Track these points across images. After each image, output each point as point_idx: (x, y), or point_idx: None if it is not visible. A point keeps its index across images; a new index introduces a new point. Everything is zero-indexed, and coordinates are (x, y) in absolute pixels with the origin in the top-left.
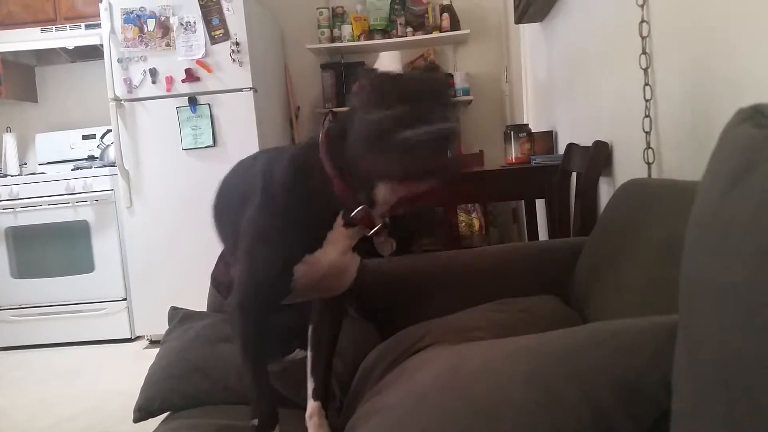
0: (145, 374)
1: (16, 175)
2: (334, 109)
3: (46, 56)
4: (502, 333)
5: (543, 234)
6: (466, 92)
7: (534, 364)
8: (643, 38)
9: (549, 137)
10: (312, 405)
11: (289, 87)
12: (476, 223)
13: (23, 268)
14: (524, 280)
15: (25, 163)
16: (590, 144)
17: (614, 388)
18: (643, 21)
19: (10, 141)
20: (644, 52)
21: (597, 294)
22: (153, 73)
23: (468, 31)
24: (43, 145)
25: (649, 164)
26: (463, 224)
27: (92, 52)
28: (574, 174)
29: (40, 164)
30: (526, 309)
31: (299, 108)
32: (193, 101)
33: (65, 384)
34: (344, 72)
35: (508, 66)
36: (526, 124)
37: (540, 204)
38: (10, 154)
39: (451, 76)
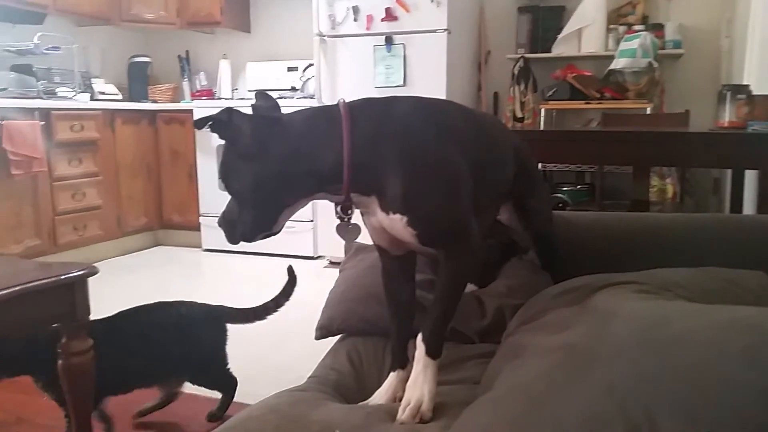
0: (325, 291)
1: (228, 99)
2: (526, 55)
3: None
4: (705, 297)
5: (748, 209)
6: (677, 45)
7: (754, 339)
8: None
9: None
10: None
11: (482, 30)
12: (670, 190)
13: None
14: (724, 253)
15: (237, 89)
16: None
17: None
18: None
19: (225, 67)
20: None
21: None
22: (356, 10)
23: None
24: (252, 73)
25: None
26: (655, 188)
27: None
28: None
29: (249, 90)
30: (732, 280)
31: (489, 53)
32: (389, 41)
33: (255, 289)
34: (542, 16)
35: (731, 19)
36: (747, 85)
37: (750, 176)
38: (224, 78)
39: (661, 26)
